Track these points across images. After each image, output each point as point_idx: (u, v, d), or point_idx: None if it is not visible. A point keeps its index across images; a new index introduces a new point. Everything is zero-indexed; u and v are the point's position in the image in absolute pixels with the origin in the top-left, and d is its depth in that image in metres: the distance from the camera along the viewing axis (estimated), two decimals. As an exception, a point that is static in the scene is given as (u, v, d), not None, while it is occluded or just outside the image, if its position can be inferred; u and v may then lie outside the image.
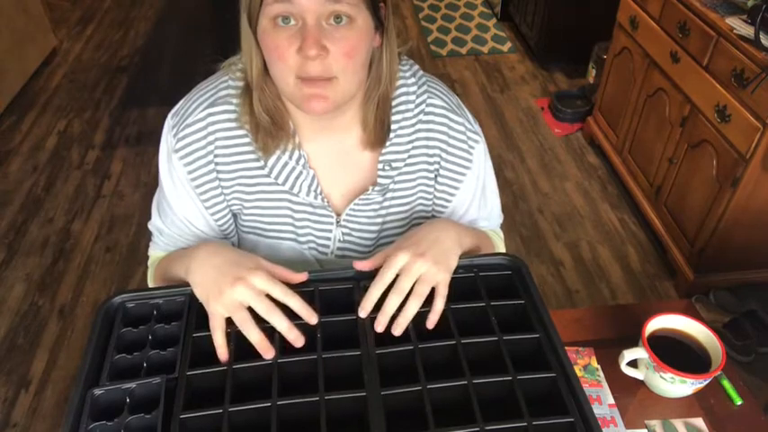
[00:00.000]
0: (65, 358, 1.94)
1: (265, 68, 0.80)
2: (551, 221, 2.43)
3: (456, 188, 0.93)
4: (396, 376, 0.68)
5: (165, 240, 0.95)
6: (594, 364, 0.95)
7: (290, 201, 0.89)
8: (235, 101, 0.84)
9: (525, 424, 0.63)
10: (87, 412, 0.65)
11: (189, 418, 0.64)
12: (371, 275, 0.77)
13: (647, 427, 0.87)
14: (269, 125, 0.83)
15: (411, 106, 0.88)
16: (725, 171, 1.83)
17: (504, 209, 1.07)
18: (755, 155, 1.70)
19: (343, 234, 0.92)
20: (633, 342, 0.91)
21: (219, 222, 0.91)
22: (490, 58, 3.53)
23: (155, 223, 0.95)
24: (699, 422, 0.88)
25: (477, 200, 0.97)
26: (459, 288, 0.77)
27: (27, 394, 1.84)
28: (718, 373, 0.89)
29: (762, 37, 1.66)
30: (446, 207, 0.95)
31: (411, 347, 0.71)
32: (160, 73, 3.43)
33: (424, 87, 0.89)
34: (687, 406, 0.90)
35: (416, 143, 0.89)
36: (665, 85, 2.13)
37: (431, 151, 0.91)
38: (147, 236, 2.39)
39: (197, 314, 0.75)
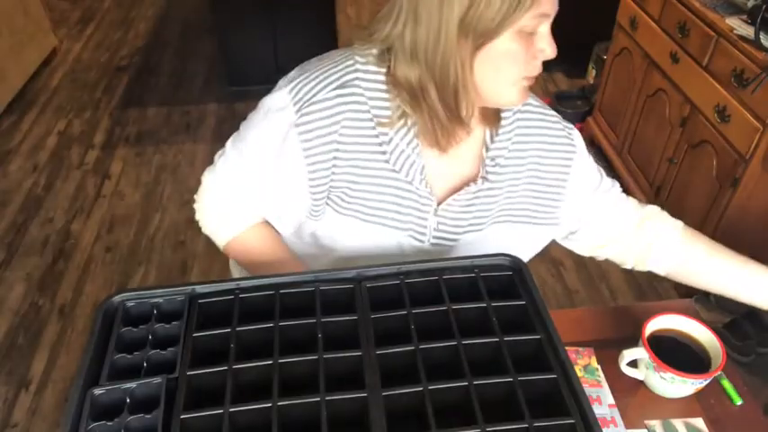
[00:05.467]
0: (65, 358, 1.94)
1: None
2: (551, 221, 2.43)
3: (566, 173, 0.98)
4: (397, 377, 0.68)
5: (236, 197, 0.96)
6: (594, 364, 0.95)
7: (399, 188, 0.91)
8: (363, 84, 0.86)
9: (526, 425, 0.63)
10: (87, 412, 0.65)
11: (189, 419, 0.64)
12: (372, 276, 0.78)
13: (647, 427, 0.87)
14: (446, 120, 0.86)
15: None
16: (725, 171, 1.83)
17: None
18: (755, 155, 1.70)
19: (438, 223, 0.94)
20: (633, 342, 0.91)
21: (315, 198, 0.91)
22: (490, 58, 3.52)
23: (227, 172, 0.96)
24: (699, 422, 0.88)
25: (596, 172, 1.02)
26: (459, 289, 0.77)
27: (27, 394, 1.84)
28: (719, 373, 0.89)
29: (762, 37, 1.66)
30: (563, 188, 0.99)
31: (412, 348, 0.71)
32: (160, 73, 3.42)
33: None
34: (687, 406, 0.90)
35: (515, 139, 0.94)
36: (664, 86, 2.13)
37: (528, 147, 0.95)
38: (146, 235, 2.39)
39: (197, 314, 0.75)
